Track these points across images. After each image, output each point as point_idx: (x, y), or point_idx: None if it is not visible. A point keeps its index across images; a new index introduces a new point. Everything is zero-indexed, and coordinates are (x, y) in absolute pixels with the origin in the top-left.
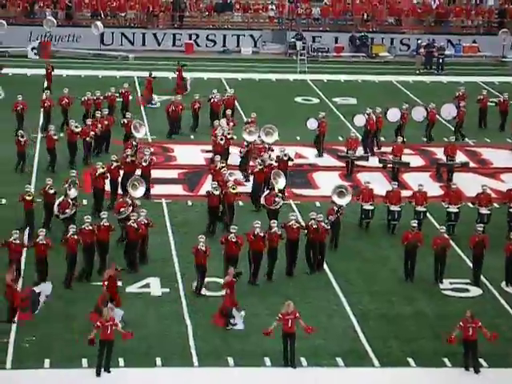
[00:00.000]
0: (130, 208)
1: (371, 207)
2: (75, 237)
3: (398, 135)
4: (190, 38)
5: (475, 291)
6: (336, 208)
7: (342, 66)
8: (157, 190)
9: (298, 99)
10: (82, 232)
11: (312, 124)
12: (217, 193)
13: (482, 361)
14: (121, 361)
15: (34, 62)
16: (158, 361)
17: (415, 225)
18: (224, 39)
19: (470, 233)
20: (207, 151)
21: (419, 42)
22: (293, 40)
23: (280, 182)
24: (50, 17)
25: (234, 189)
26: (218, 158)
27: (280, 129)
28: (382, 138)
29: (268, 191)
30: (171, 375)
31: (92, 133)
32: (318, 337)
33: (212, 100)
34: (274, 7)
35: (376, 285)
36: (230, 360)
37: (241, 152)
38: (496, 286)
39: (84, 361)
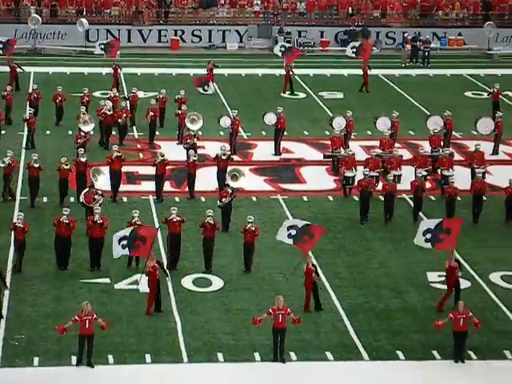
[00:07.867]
0: None
1: (352, 174)
2: None
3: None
4: (176, 34)
5: (463, 284)
6: (230, 191)
7: (328, 60)
8: (145, 186)
9: (285, 94)
10: None
11: (225, 121)
12: (36, 165)
13: (471, 353)
14: (110, 358)
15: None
16: (148, 357)
17: (391, 178)
18: (210, 35)
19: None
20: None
21: (405, 35)
22: (276, 35)
23: (100, 180)
24: (35, 14)
25: (66, 165)
26: (116, 147)
27: (265, 124)
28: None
29: (87, 189)
30: (161, 372)
31: None
32: (307, 331)
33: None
34: (259, 2)
35: (364, 278)
36: (220, 356)
37: (188, 143)
38: (484, 278)
39: (73, 358)
